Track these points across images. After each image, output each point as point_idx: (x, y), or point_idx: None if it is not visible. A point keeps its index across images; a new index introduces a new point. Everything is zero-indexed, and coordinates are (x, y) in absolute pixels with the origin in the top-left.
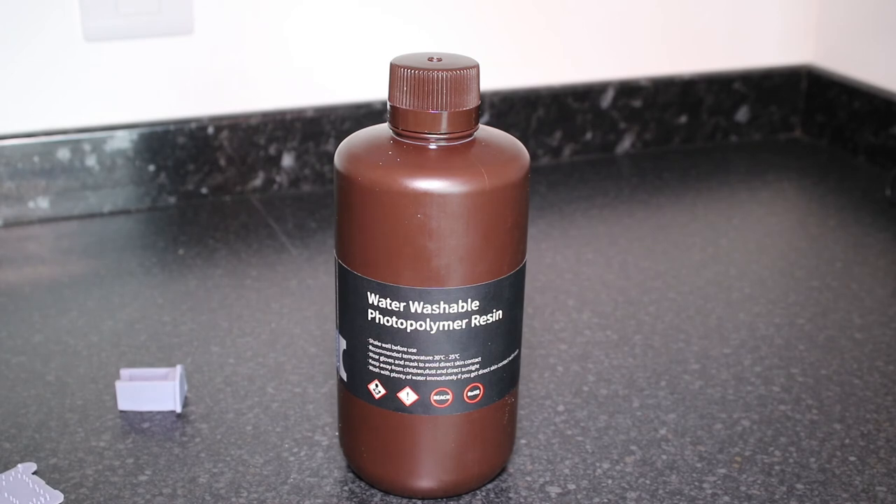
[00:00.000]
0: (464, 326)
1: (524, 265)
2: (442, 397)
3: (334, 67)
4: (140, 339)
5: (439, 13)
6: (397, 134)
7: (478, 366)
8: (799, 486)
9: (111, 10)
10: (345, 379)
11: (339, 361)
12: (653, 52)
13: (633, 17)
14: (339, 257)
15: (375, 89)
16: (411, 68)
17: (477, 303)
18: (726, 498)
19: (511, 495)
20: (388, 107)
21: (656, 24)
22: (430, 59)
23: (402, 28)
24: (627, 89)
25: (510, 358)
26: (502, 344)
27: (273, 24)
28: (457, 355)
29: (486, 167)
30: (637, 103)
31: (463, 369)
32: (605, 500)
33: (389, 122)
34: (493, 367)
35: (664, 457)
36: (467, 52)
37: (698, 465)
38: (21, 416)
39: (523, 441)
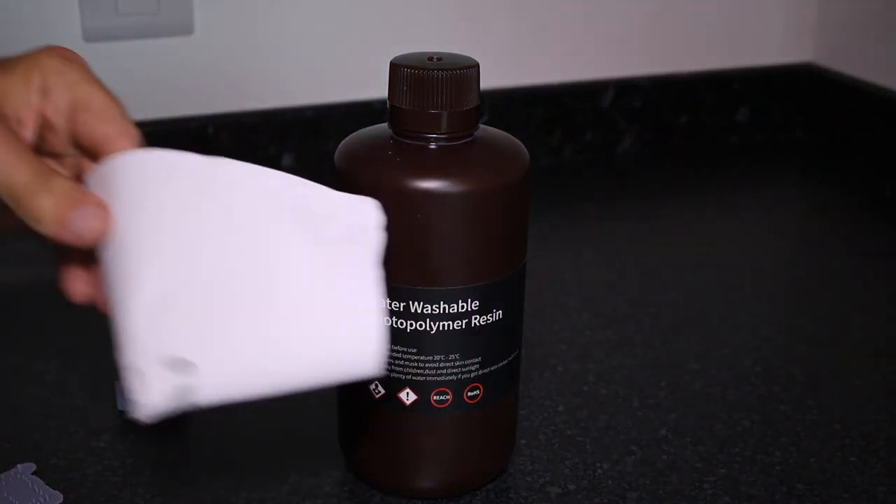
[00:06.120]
0: (464, 326)
1: (524, 265)
2: (442, 397)
3: (334, 67)
4: None
5: (439, 13)
6: (397, 134)
7: (478, 366)
8: (799, 486)
9: (111, 10)
10: None
11: None
12: (653, 52)
13: (632, 17)
14: None
15: (375, 89)
16: (411, 68)
17: (477, 303)
18: (726, 498)
19: (511, 495)
20: (389, 107)
21: (656, 24)
22: (430, 59)
23: (402, 28)
24: (627, 89)
25: (510, 358)
26: (502, 344)
27: (273, 24)
28: (457, 355)
29: (486, 167)
30: (637, 103)
31: (463, 369)
32: (605, 500)
33: (389, 121)
34: (493, 368)
35: (664, 457)
36: (467, 51)
37: (698, 465)
38: (21, 416)
39: (523, 441)
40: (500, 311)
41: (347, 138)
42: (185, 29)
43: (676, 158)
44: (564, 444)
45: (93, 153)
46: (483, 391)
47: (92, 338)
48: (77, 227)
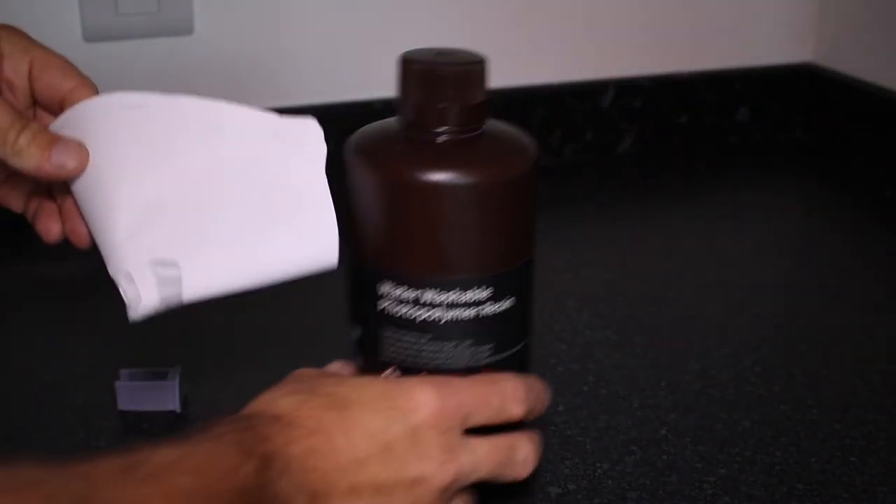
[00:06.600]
0: (476, 314)
1: (534, 256)
2: None
3: (334, 67)
4: (140, 339)
5: (440, 13)
6: (407, 127)
7: (490, 352)
8: (799, 486)
9: (111, 10)
10: (360, 366)
11: (352, 351)
12: (653, 51)
13: (633, 17)
14: (353, 249)
15: (375, 89)
16: (420, 63)
17: (489, 291)
18: (726, 498)
19: (511, 495)
20: (398, 100)
21: (656, 24)
22: (439, 54)
23: (402, 28)
24: (627, 89)
25: (521, 345)
26: (514, 331)
27: (273, 24)
28: (470, 342)
29: (494, 159)
30: (637, 103)
31: (476, 356)
32: (605, 500)
33: (399, 116)
34: (504, 354)
35: (664, 457)
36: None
37: (698, 465)
38: (21, 416)
39: None
40: (512, 300)
41: (357, 132)
42: (185, 29)
43: (676, 158)
44: (564, 444)
45: (54, 106)
46: None
47: (92, 338)
48: (57, 160)
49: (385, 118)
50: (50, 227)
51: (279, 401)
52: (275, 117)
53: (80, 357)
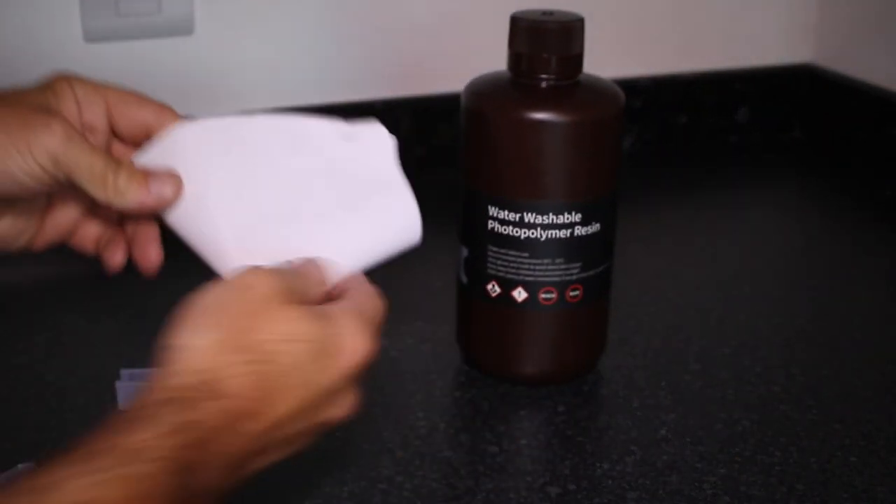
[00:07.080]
0: (568, 235)
1: (616, 193)
2: (548, 295)
3: (334, 67)
4: (140, 339)
5: (437, 13)
6: (515, 75)
7: (578, 269)
8: (799, 486)
9: (111, 10)
10: (465, 282)
11: (460, 267)
12: (653, 52)
13: (633, 17)
14: (465, 179)
15: (375, 89)
16: (529, 20)
17: (579, 215)
18: (726, 498)
19: (511, 495)
20: (509, 52)
21: (656, 24)
22: (544, 14)
23: (398, 29)
24: (627, 89)
25: (604, 266)
26: (599, 253)
27: (273, 24)
28: (561, 259)
29: (587, 103)
30: (637, 103)
31: (566, 272)
32: (605, 500)
33: (508, 66)
34: (590, 273)
35: (664, 457)
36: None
37: (698, 465)
38: (21, 416)
39: (524, 441)
40: (598, 226)
41: (472, 80)
42: (185, 29)
43: (676, 158)
44: (564, 444)
45: (136, 137)
46: (582, 292)
47: (92, 338)
48: (157, 191)
49: (387, 119)
50: (114, 257)
51: (225, 370)
52: (341, 123)
53: (80, 357)
